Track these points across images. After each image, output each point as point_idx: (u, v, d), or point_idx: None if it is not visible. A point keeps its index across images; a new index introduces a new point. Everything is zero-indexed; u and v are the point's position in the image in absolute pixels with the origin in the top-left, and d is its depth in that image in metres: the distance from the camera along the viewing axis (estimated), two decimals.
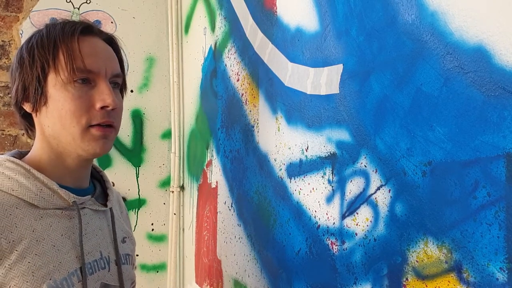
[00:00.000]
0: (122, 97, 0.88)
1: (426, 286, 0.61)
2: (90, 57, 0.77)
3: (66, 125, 0.76)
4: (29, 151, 0.83)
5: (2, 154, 0.80)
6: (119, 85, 0.84)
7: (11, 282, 0.68)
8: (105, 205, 0.88)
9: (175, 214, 1.88)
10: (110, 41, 0.85)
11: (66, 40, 0.77)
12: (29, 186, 0.74)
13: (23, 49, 0.80)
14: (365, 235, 0.73)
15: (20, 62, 0.79)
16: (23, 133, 1.80)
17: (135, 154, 1.93)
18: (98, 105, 0.76)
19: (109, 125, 0.78)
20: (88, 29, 0.81)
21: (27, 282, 0.69)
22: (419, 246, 0.62)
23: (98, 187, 0.90)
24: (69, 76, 0.75)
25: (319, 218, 0.86)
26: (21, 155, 0.82)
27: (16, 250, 0.69)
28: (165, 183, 1.96)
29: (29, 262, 0.70)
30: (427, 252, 0.61)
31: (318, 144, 0.87)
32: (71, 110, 0.75)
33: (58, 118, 0.76)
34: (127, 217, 1.02)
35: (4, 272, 0.68)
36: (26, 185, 0.74)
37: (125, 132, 1.91)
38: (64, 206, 0.77)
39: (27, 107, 0.80)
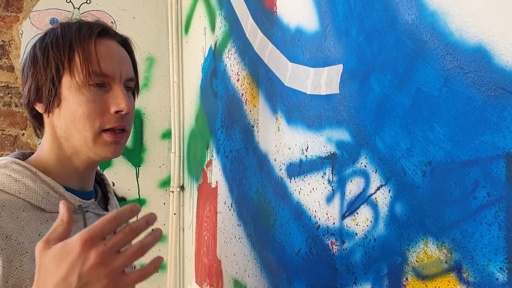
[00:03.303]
0: (134, 99, 0.88)
1: (426, 286, 0.61)
2: (106, 60, 0.77)
3: (79, 128, 0.75)
4: (32, 152, 0.83)
5: (6, 155, 0.80)
6: (131, 89, 0.84)
7: (22, 284, 0.68)
8: (106, 209, 0.88)
9: (175, 214, 1.88)
10: (125, 43, 0.84)
11: (82, 42, 0.76)
12: (36, 189, 0.73)
13: (36, 48, 0.78)
14: (365, 235, 0.73)
15: (33, 62, 0.78)
16: (23, 133, 1.80)
17: (135, 154, 1.93)
18: (112, 110, 0.76)
19: (122, 129, 0.79)
20: (105, 32, 0.80)
21: None
22: (419, 246, 0.62)
23: (99, 190, 0.90)
24: (84, 79, 0.75)
25: (319, 218, 0.86)
26: (24, 157, 0.81)
27: (27, 252, 0.69)
28: (165, 183, 1.96)
29: None
30: (427, 252, 0.61)
31: (318, 144, 0.87)
32: (85, 114, 0.75)
33: (72, 121, 0.76)
34: None
35: (16, 273, 0.68)
36: (33, 188, 0.73)
37: None
38: None
39: (39, 107, 0.79)
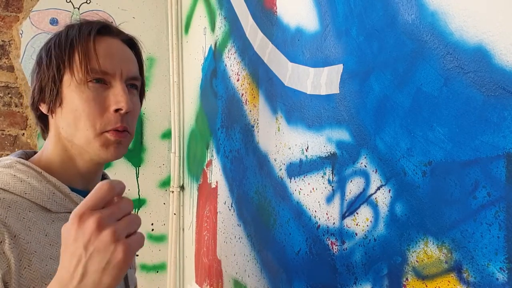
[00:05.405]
0: (141, 101, 0.87)
1: (426, 286, 0.61)
2: (106, 57, 0.76)
3: (80, 127, 0.75)
4: (34, 152, 0.83)
5: (7, 155, 0.80)
6: (137, 87, 0.82)
7: (31, 284, 0.67)
8: None
9: (175, 214, 1.88)
10: (130, 42, 0.84)
11: (82, 40, 0.76)
12: (42, 189, 0.73)
13: (42, 50, 0.80)
14: (365, 235, 0.73)
15: (38, 63, 0.79)
16: (23, 133, 1.80)
17: (135, 154, 1.93)
18: (112, 108, 0.75)
19: (125, 130, 0.77)
20: (106, 29, 0.80)
21: (45, 284, 0.68)
22: (419, 246, 0.62)
23: None
24: (83, 76, 0.74)
25: (319, 218, 0.86)
26: (27, 156, 0.81)
27: (35, 252, 0.69)
28: (165, 183, 1.96)
29: (46, 265, 0.69)
30: (427, 252, 0.61)
31: (318, 144, 0.87)
32: (85, 112, 0.74)
33: (73, 120, 0.75)
34: None
35: (25, 273, 0.67)
36: (39, 188, 0.73)
37: None
38: None
39: (43, 108, 0.79)
